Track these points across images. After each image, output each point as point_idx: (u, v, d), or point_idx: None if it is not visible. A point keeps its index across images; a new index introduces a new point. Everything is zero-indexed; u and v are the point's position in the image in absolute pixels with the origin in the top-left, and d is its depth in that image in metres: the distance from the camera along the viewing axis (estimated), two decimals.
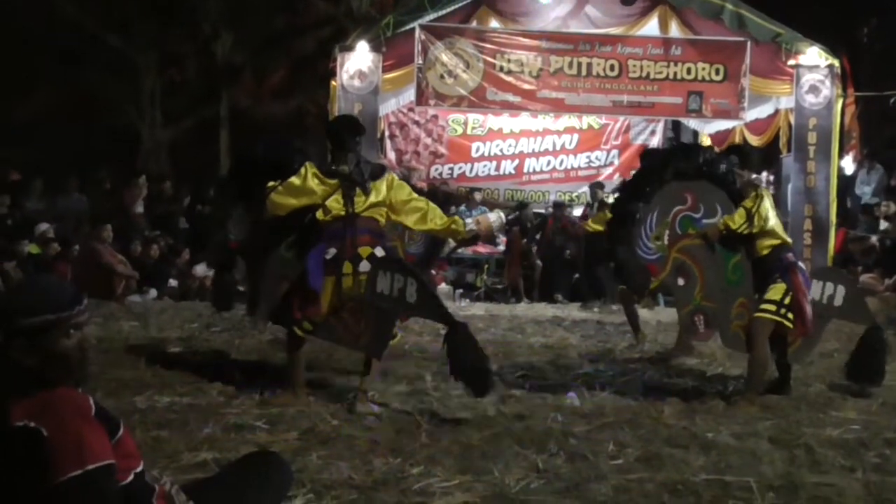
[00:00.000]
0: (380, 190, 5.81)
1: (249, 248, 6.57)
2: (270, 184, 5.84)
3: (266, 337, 8.19)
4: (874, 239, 13.34)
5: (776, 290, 6.21)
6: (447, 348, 5.32)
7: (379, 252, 5.75)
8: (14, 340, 2.49)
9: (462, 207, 14.45)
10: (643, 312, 10.95)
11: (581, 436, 5.12)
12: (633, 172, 7.78)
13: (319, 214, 5.74)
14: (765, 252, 6.29)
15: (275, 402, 5.75)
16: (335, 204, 5.71)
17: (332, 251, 5.70)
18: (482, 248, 13.75)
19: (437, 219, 5.97)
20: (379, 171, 5.92)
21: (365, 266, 5.68)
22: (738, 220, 6.27)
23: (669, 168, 7.01)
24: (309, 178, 5.72)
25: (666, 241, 6.91)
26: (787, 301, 6.18)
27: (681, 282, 6.91)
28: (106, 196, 14.59)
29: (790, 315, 6.20)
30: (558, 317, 11.09)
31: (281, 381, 6.15)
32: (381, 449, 4.75)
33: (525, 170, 16.17)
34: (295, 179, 5.75)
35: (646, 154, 8.14)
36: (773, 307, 6.19)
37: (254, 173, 6.24)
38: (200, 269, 12.33)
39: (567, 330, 9.96)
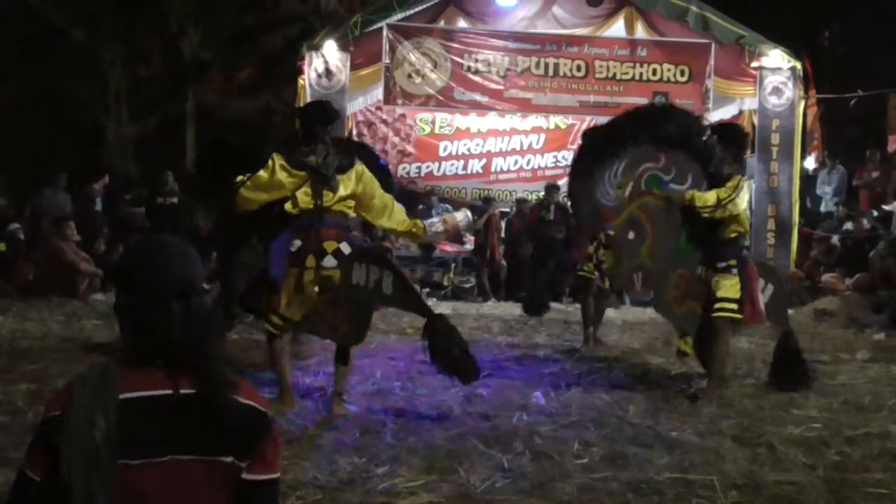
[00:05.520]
0: (348, 183, 5.72)
1: (222, 240, 6.47)
2: (239, 178, 5.69)
3: (231, 336, 8.14)
4: (835, 239, 13.50)
5: (732, 287, 6.31)
6: (428, 340, 5.33)
7: (345, 248, 5.69)
8: (185, 304, 1.99)
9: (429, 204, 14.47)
10: (609, 311, 11.00)
11: (546, 435, 5.14)
12: (610, 121, 7.71)
13: (288, 206, 5.64)
14: (731, 236, 6.40)
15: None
16: (304, 196, 5.61)
17: (298, 243, 5.62)
18: (449, 248, 13.76)
19: (399, 220, 5.97)
20: (347, 165, 5.78)
21: (330, 262, 5.60)
22: (707, 201, 6.25)
23: (648, 128, 6.94)
24: (277, 172, 5.60)
25: (627, 193, 6.89)
26: (741, 296, 6.30)
27: (631, 235, 6.89)
28: (70, 193, 14.43)
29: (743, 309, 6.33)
30: (525, 316, 11.10)
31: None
32: (346, 449, 4.74)
33: (492, 169, 16.18)
34: (263, 174, 5.62)
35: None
36: (733, 306, 6.30)
37: (220, 164, 6.13)
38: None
39: (533, 329, 9.99)
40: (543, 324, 10.41)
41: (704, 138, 6.74)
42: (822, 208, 15.29)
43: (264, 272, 5.65)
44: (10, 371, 6.62)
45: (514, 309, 11.96)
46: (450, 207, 14.52)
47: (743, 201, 6.29)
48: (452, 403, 5.93)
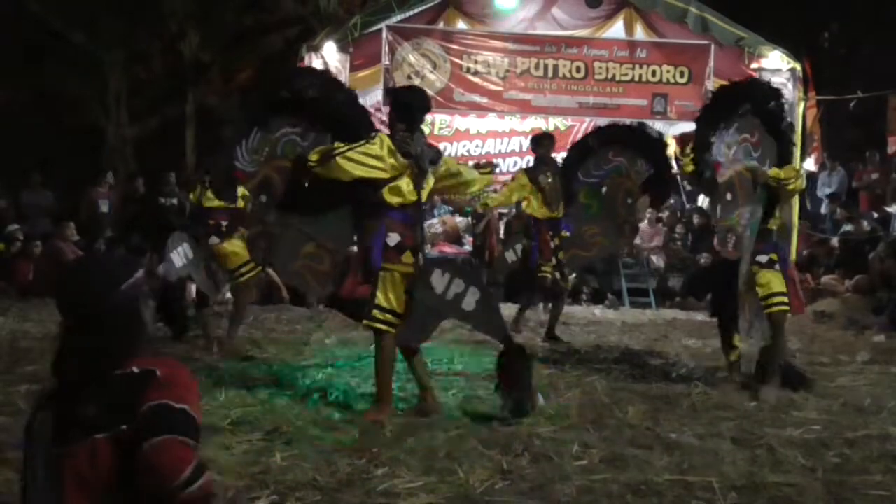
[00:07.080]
0: (432, 177, 5.59)
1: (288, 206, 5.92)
2: (337, 144, 5.35)
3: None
4: (835, 240, 13.51)
5: (779, 281, 6.51)
6: (499, 367, 5.39)
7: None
8: (115, 312, 2.27)
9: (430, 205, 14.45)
10: (608, 313, 11.02)
11: (546, 436, 5.13)
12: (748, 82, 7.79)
13: (387, 194, 5.39)
14: (771, 227, 6.64)
15: (366, 418, 5.44)
16: (406, 187, 5.41)
17: (396, 237, 5.42)
18: (448, 249, 13.75)
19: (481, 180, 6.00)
20: (436, 158, 5.62)
21: (422, 258, 5.48)
22: (788, 173, 6.48)
23: (763, 102, 6.95)
24: (387, 154, 5.31)
25: (731, 156, 6.95)
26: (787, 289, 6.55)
27: (729, 196, 6.96)
28: (70, 194, 14.48)
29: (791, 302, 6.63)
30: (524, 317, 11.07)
31: (240, 382, 6.11)
32: (345, 450, 4.74)
33: None
34: (374, 148, 5.30)
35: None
36: (785, 299, 6.51)
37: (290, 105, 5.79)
38: (163, 269, 12.21)
39: (532, 331, 9.98)
40: (542, 325, 10.39)
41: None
42: (823, 210, 15.31)
43: (362, 263, 5.52)
44: (10, 372, 6.63)
45: (512, 310, 11.94)
46: (451, 209, 14.55)
47: None
48: (452, 405, 5.93)
